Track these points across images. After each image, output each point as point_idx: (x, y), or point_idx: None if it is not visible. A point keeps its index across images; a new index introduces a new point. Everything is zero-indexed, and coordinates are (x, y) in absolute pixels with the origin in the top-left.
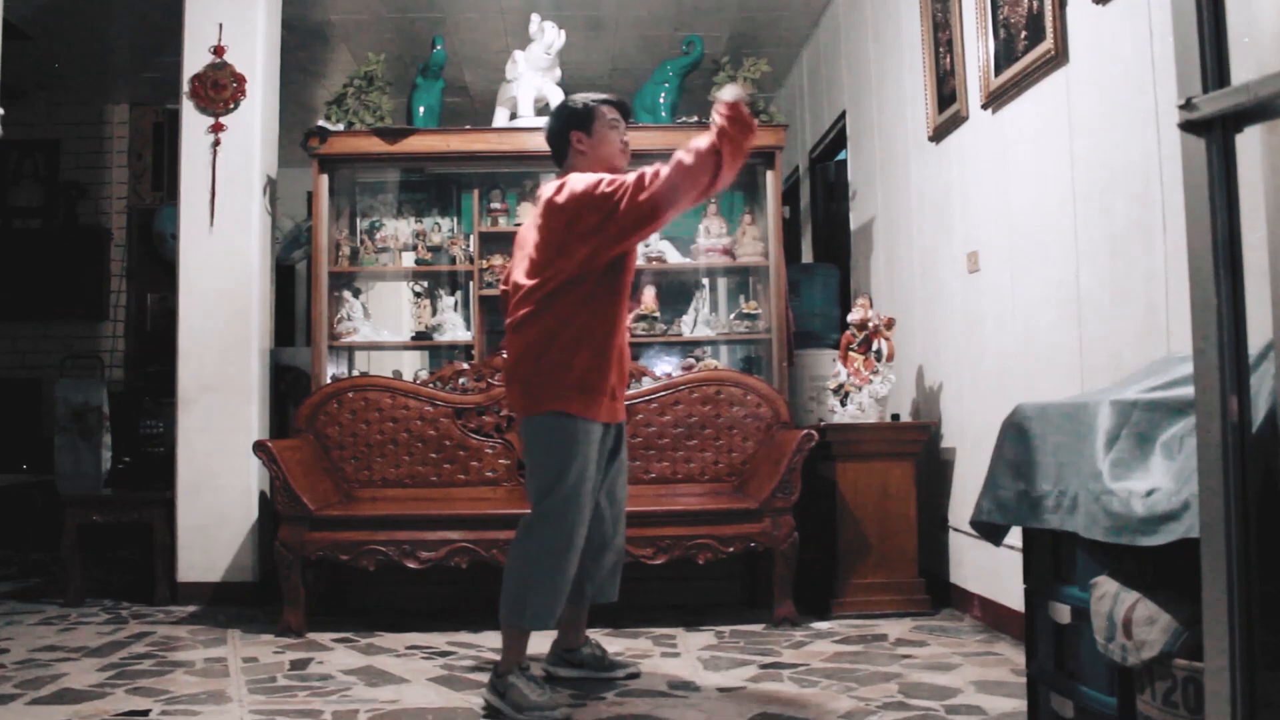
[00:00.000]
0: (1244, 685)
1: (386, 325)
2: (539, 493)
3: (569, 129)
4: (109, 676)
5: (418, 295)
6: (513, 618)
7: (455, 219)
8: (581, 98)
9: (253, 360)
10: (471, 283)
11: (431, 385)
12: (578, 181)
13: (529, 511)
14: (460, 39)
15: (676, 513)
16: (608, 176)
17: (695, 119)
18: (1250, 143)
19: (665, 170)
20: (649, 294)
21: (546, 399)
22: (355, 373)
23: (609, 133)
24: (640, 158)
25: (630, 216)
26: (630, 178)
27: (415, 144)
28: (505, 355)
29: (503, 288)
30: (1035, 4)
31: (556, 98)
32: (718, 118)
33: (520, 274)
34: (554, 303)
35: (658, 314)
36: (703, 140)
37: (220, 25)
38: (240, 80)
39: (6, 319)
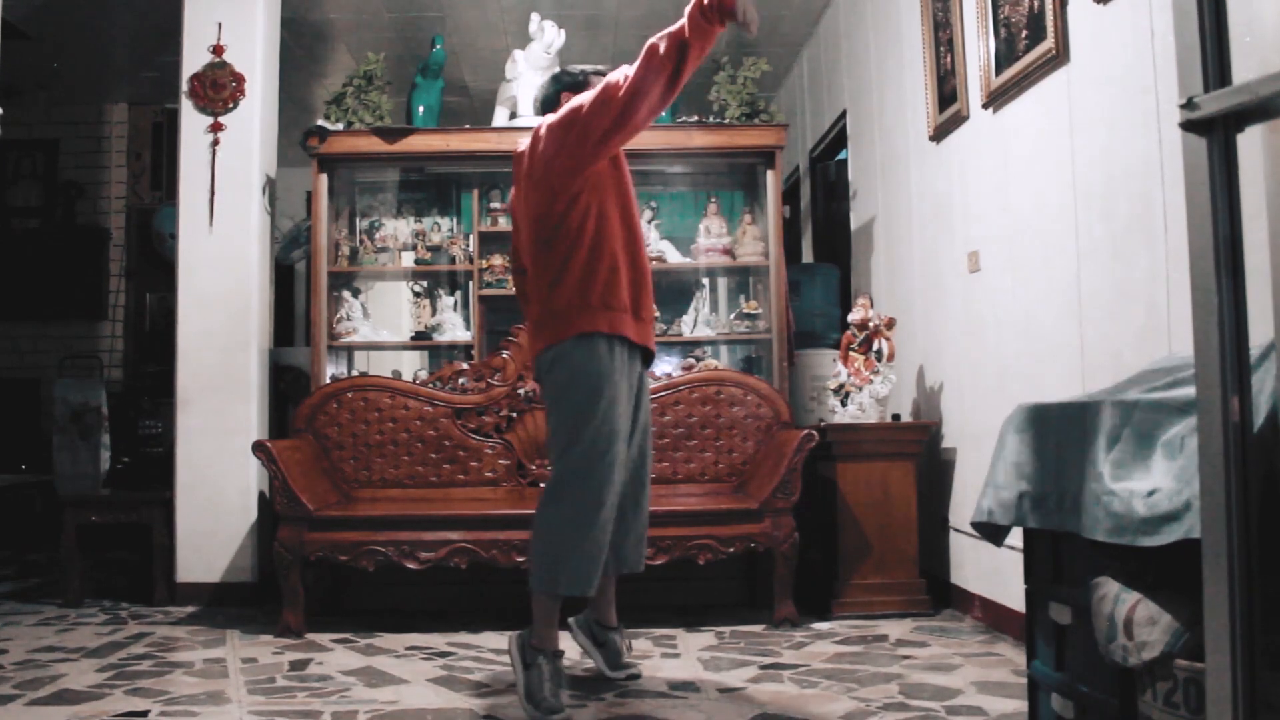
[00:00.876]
0: (1245, 686)
1: (386, 325)
2: (566, 438)
3: (560, 90)
4: (108, 677)
5: (417, 295)
6: (545, 584)
7: (455, 219)
8: (577, 67)
9: (252, 360)
10: (471, 282)
11: (431, 385)
12: (551, 121)
13: (552, 473)
14: (460, 38)
15: (677, 513)
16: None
17: (695, 118)
18: (1252, 142)
19: (635, 68)
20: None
21: (566, 326)
22: (354, 373)
23: None
24: (640, 157)
25: (600, 117)
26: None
27: (415, 143)
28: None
29: (515, 268)
30: (1036, 3)
31: None
32: None
33: (526, 242)
34: (558, 234)
35: (658, 314)
36: (670, 30)
37: (219, 24)
38: (239, 79)
39: (5, 319)
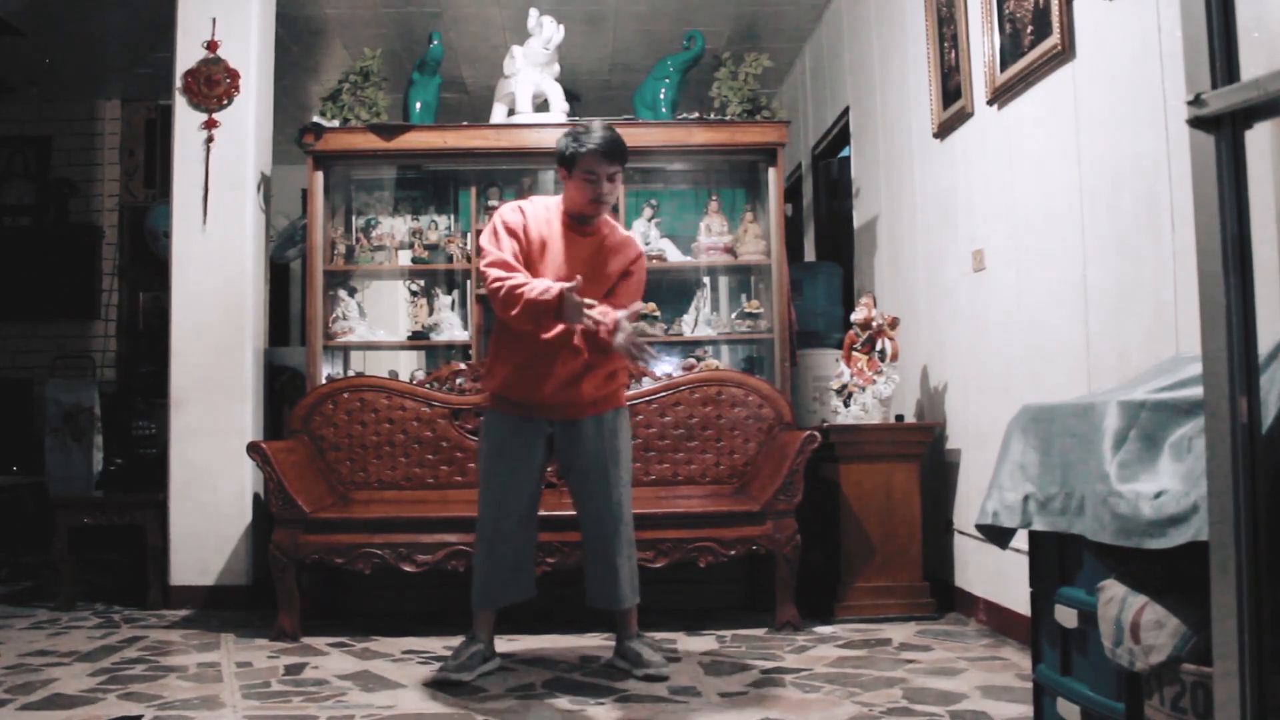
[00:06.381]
0: (1253, 690)
1: (382, 324)
2: (627, 479)
3: (558, 159)
4: (101, 681)
5: (414, 294)
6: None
7: (452, 217)
8: (576, 138)
9: (247, 360)
10: (469, 281)
11: (428, 386)
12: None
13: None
14: (458, 34)
15: (677, 515)
16: (487, 257)
17: (695, 115)
18: (1260, 139)
19: (493, 286)
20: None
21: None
22: (351, 373)
23: (582, 184)
24: (640, 154)
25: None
26: (490, 275)
27: (412, 140)
28: (563, 367)
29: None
30: None
31: (555, 93)
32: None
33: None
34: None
35: (658, 313)
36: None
37: (214, 20)
38: (234, 76)
39: None
